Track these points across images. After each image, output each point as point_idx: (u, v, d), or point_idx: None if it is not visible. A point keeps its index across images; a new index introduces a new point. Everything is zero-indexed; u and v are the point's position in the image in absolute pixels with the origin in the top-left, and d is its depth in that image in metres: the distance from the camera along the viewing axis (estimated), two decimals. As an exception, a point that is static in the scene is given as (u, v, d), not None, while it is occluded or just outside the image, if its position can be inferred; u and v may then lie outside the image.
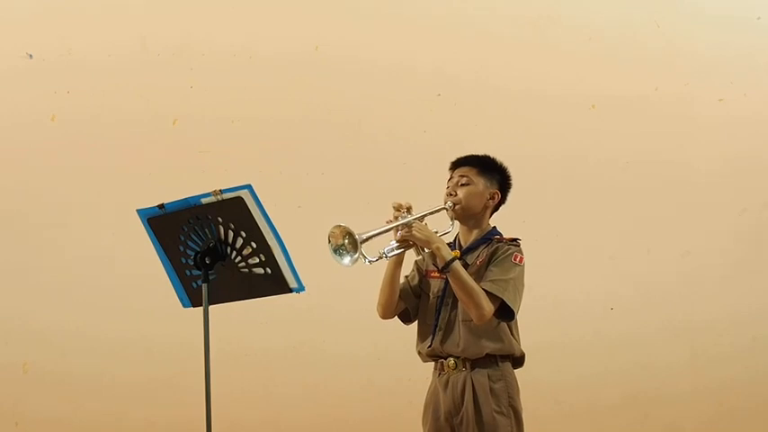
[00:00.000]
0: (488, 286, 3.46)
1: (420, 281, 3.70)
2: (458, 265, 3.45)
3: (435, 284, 3.65)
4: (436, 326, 3.60)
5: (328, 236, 3.30)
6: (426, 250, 3.51)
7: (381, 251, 3.43)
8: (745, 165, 5.63)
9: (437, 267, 3.54)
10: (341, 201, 5.32)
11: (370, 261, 3.36)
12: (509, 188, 3.69)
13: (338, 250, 3.31)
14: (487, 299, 3.44)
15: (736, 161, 5.63)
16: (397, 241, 3.47)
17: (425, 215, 3.52)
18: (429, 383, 3.69)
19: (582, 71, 5.59)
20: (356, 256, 3.28)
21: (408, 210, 3.47)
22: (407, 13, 5.64)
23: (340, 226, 3.30)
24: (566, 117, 5.56)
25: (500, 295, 3.46)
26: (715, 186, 5.62)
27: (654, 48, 5.64)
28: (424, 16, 5.63)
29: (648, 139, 5.59)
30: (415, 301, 3.68)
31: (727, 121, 5.63)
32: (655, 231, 5.58)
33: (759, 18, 5.73)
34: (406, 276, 3.71)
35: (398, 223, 3.44)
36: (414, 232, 3.44)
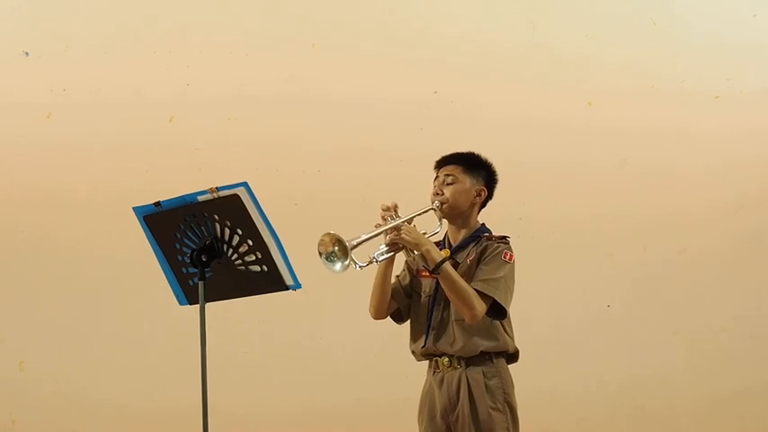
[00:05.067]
0: (479, 286, 3.46)
1: (411, 280, 3.70)
2: (448, 266, 3.45)
3: (427, 284, 3.65)
4: (429, 325, 3.60)
5: (318, 244, 3.30)
6: (416, 252, 3.52)
7: (372, 256, 3.43)
8: (741, 162, 5.64)
9: (428, 269, 3.54)
10: (337, 198, 5.32)
11: (360, 266, 3.37)
12: (495, 184, 3.68)
13: (329, 257, 3.31)
14: (479, 298, 3.44)
15: (733, 158, 5.63)
16: (387, 245, 3.47)
17: (413, 217, 3.52)
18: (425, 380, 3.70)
19: (578, 69, 5.60)
20: (347, 262, 3.28)
21: (395, 209, 3.47)
22: (406, 11, 5.64)
23: (329, 233, 3.30)
24: (562, 114, 5.56)
25: (491, 294, 3.46)
26: (712, 184, 5.62)
27: (650, 45, 5.64)
28: (423, 14, 5.63)
29: (645, 137, 5.59)
30: (407, 301, 3.69)
31: (724, 118, 5.64)
32: (651, 229, 5.58)
33: (755, 15, 5.73)
34: (398, 276, 3.71)
35: (387, 227, 3.44)
36: (403, 235, 3.44)
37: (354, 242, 3.31)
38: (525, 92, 5.56)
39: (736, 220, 5.63)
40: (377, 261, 3.47)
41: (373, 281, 3.61)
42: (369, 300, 3.66)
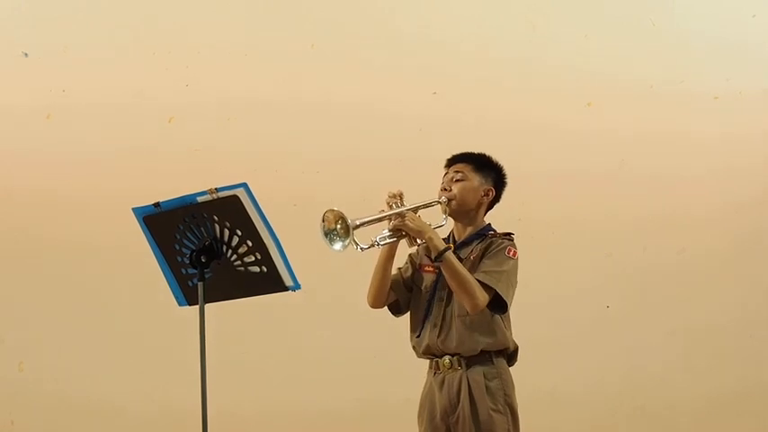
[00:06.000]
0: (481, 277, 3.47)
1: (413, 274, 3.71)
2: (451, 254, 3.45)
3: (428, 278, 3.65)
4: (425, 318, 3.60)
5: (321, 219, 3.30)
6: (419, 241, 3.52)
7: (374, 239, 3.43)
8: (741, 162, 5.64)
9: (430, 258, 3.54)
10: (336, 199, 5.28)
11: (362, 248, 3.37)
12: (504, 186, 3.70)
13: (329, 235, 3.32)
14: (481, 288, 3.44)
15: (732, 159, 5.63)
16: (390, 230, 3.47)
17: (419, 207, 3.53)
18: (425, 381, 3.70)
19: (578, 69, 5.60)
20: (347, 242, 3.29)
21: (401, 198, 3.47)
22: (405, 11, 5.64)
23: (333, 210, 3.31)
24: (562, 115, 5.56)
25: (493, 286, 3.47)
26: (711, 184, 5.63)
27: (649, 46, 5.65)
28: (422, 14, 5.63)
29: (644, 137, 5.59)
30: (407, 294, 3.69)
31: (723, 118, 5.64)
32: (650, 229, 5.58)
33: (754, 16, 5.74)
34: (399, 268, 3.72)
35: (391, 212, 3.45)
36: (406, 222, 3.45)
37: (358, 222, 3.30)
38: (524, 92, 5.55)
39: (735, 221, 5.63)
40: (379, 245, 3.46)
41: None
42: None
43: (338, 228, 3.30)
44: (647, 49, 5.64)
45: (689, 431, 5.56)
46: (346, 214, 3.29)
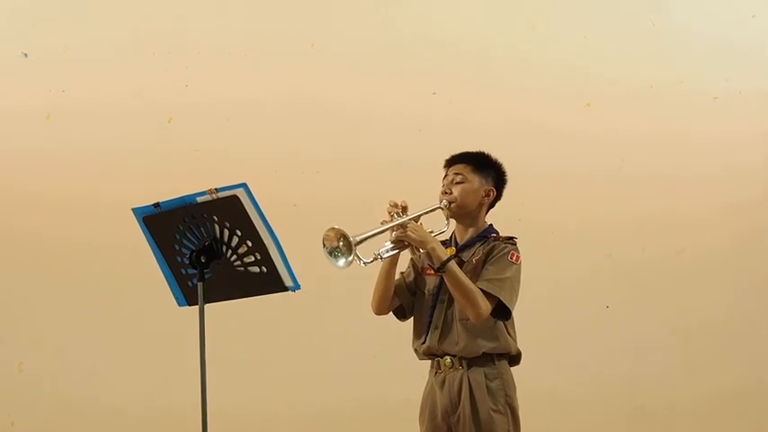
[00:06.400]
0: (484, 285, 3.47)
1: (415, 278, 3.71)
2: (453, 265, 3.45)
3: (431, 282, 3.65)
4: (430, 323, 3.60)
5: (323, 238, 3.31)
6: (422, 250, 3.51)
7: (376, 252, 3.44)
8: (740, 163, 5.64)
9: (433, 267, 3.54)
10: (336, 199, 5.32)
11: (365, 263, 3.37)
12: (504, 184, 3.69)
13: (333, 253, 3.32)
14: (484, 298, 3.44)
15: (732, 159, 5.63)
16: (392, 242, 3.47)
17: (420, 215, 3.52)
18: (426, 382, 3.70)
19: (577, 69, 5.60)
20: (351, 258, 3.29)
21: (404, 209, 3.47)
22: (404, 11, 5.64)
23: (334, 228, 3.31)
24: (561, 115, 5.56)
25: (496, 294, 3.46)
26: (710, 184, 5.63)
27: (649, 46, 5.65)
28: (421, 14, 5.63)
29: (643, 137, 5.60)
30: (410, 298, 3.69)
31: (723, 119, 5.64)
32: (650, 229, 5.58)
33: (754, 16, 5.74)
34: (402, 273, 3.71)
35: (393, 224, 3.44)
36: (408, 233, 3.44)
37: (359, 238, 3.30)
38: (524, 92, 5.55)
39: (734, 221, 5.63)
40: (381, 258, 3.47)
41: (377, 278, 3.62)
42: (368, 301, 3.67)
43: (341, 245, 3.30)
44: (647, 50, 5.64)
45: (689, 431, 5.56)
46: (347, 231, 3.29)
